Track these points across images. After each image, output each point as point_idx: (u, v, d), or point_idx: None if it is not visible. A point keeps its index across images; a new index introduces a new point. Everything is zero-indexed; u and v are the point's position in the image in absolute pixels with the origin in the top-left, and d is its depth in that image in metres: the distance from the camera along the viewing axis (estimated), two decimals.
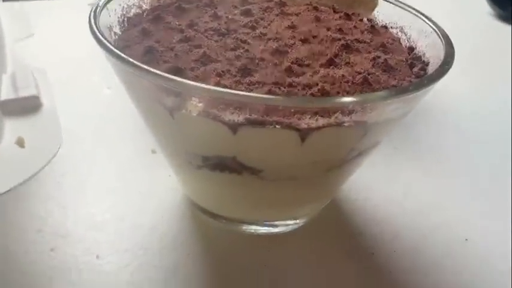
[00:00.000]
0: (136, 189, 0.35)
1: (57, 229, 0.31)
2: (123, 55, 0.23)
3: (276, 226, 0.32)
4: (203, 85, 0.21)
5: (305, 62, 0.27)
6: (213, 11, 0.32)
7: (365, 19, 0.35)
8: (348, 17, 0.33)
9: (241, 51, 0.27)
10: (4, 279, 0.27)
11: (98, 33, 0.24)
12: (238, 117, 0.22)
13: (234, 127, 0.22)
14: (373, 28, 0.32)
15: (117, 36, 0.29)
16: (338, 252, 0.32)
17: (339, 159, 0.26)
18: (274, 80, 0.24)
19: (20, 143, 0.25)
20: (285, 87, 0.24)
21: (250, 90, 0.24)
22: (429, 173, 0.40)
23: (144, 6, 0.33)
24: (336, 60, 0.27)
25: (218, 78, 0.24)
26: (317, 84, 0.24)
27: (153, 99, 0.24)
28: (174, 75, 0.24)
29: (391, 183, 0.38)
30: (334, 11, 0.35)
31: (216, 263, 0.30)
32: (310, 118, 0.22)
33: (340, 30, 0.31)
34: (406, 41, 0.32)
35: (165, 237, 0.31)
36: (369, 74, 0.26)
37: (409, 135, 0.44)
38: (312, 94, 0.24)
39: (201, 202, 0.32)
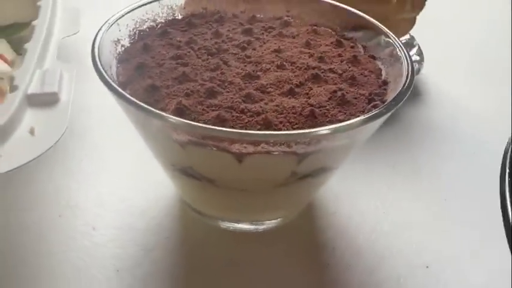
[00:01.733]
0: (143, 178, 0.40)
1: (68, 201, 0.38)
2: (106, 76, 0.28)
3: (250, 224, 0.36)
4: (152, 110, 0.26)
5: (267, 89, 0.30)
6: (216, 29, 0.36)
7: (360, 46, 0.37)
8: (339, 43, 0.36)
9: (218, 72, 0.31)
10: (16, 232, 0.34)
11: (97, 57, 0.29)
12: (182, 138, 0.26)
13: (182, 144, 0.27)
14: (355, 58, 0.34)
15: (123, 49, 0.34)
16: (295, 259, 0.35)
17: (282, 179, 0.29)
18: (229, 104, 0.28)
19: (32, 131, 0.31)
20: (237, 112, 0.28)
21: (207, 112, 0.28)
22: (408, 194, 0.41)
23: (159, 20, 0.37)
24: (296, 90, 0.30)
25: (181, 99, 0.28)
26: (265, 113, 0.27)
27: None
28: (151, 92, 0.29)
29: (368, 199, 0.40)
30: (335, 33, 0.38)
31: (188, 248, 0.35)
32: (239, 145, 0.25)
33: (321, 58, 0.33)
34: (385, 74, 0.33)
35: (152, 221, 0.37)
36: (320, 107, 0.28)
37: (409, 156, 0.45)
38: (256, 122, 0.27)
39: (184, 197, 0.37)
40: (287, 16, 0.40)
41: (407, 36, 0.55)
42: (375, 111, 0.26)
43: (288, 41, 0.36)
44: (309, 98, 0.29)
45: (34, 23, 0.42)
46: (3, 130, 0.30)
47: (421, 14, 0.52)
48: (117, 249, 0.34)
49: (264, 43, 0.35)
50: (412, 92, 0.52)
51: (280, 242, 0.36)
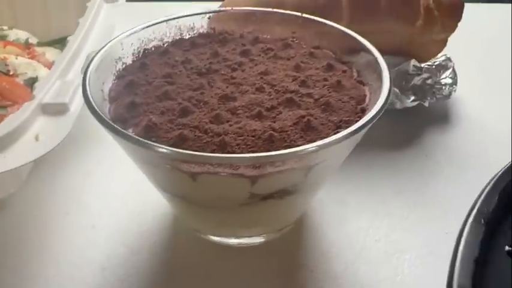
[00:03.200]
0: (143, 187, 0.42)
1: (75, 200, 0.42)
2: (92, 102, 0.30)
3: (233, 239, 0.37)
4: (117, 128, 0.28)
5: (237, 111, 0.31)
6: (215, 49, 0.38)
7: (354, 71, 0.36)
8: (329, 67, 0.36)
9: (198, 92, 0.33)
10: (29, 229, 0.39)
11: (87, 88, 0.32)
12: (143, 157, 0.28)
13: (145, 163, 0.29)
14: (339, 83, 0.34)
15: (124, 66, 0.37)
16: (272, 276, 0.35)
17: (243, 199, 0.30)
18: (196, 124, 0.30)
19: (37, 138, 0.35)
20: (200, 132, 0.29)
21: (173, 130, 0.30)
22: (406, 223, 0.40)
23: (166, 39, 0.40)
24: (265, 113, 0.31)
25: (152, 117, 0.30)
26: (224, 135, 0.29)
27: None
28: (131, 108, 0.31)
29: (361, 224, 0.39)
30: (335, 56, 0.38)
31: (171, 254, 0.37)
32: (187, 165, 0.27)
33: (303, 81, 0.34)
34: (367, 101, 0.33)
35: (144, 226, 0.39)
36: (281, 132, 0.29)
37: (420, 183, 0.44)
38: (213, 143, 0.28)
39: (172, 210, 0.39)
40: (292, 38, 0.40)
41: (442, 58, 0.53)
42: (306, 147, 0.26)
43: (280, 63, 0.37)
44: (274, 122, 0.30)
45: (69, 38, 0.47)
46: (12, 135, 0.34)
47: (457, 35, 0.50)
48: (107, 249, 0.37)
49: (256, 65, 0.36)
50: (440, 116, 0.51)
51: (261, 258, 0.37)
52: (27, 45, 0.57)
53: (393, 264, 0.37)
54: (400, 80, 0.49)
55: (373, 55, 0.35)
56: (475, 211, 0.28)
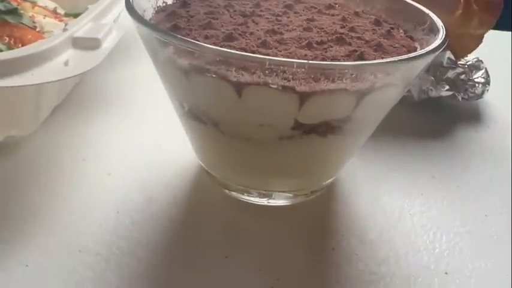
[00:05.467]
0: (164, 138, 0.40)
1: (93, 148, 0.39)
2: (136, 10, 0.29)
3: (260, 197, 0.35)
4: (157, 27, 0.26)
5: (285, 42, 0.29)
6: (257, 1, 0.37)
7: (400, 30, 0.35)
8: (377, 22, 0.34)
9: (243, 26, 0.31)
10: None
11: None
12: (184, 62, 0.26)
13: (185, 72, 0.27)
14: (389, 33, 0.32)
15: (164, 4, 0.35)
16: (298, 237, 0.33)
17: (286, 128, 0.28)
18: (242, 47, 0.28)
19: (66, 63, 0.33)
20: (247, 52, 0.27)
21: None
22: (442, 203, 0.37)
23: None
24: (315, 45, 0.29)
25: (197, 37, 0.29)
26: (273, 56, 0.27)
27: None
28: (172, 30, 0.30)
29: (396, 198, 0.37)
30: (377, 21, 0.37)
31: (193, 206, 0.35)
32: (236, 72, 0.25)
33: (352, 28, 0.32)
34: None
35: (164, 177, 0.37)
36: (333, 60, 0.27)
37: (455, 172, 0.41)
38: None
39: (197, 156, 0.36)
40: (334, 2, 0.39)
41: (474, 59, 0.52)
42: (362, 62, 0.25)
43: (324, 16, 0.35)
44: (325, 52, 0.28)
45: None
46: (40, 56, 0.33)
47: (492, 38, 0.50)
48: (122, 195, 0.35)
49: (300, 15, 0.35)
50: (473, 113, 0.49)
51: (288, 220, 0.34)
52: (54, 13, 0.57)
53: (430, 237, 0.34)
54: (435, 70, 0.48)
55: (423, 13, 0.34)
56: None
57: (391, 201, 0.37)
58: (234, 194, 0.35)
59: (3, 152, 0.37)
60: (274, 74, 0.24)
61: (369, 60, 0.28)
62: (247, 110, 0.27)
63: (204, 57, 0.25)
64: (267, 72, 0.24)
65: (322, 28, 0.32)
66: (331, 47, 0.29)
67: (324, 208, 0.35)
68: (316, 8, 0.37)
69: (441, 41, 0.28)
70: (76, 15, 0.59)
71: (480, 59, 0.52)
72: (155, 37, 0.27)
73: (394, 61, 0.25)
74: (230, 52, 0.24)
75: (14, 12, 0.48)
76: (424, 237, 0.34)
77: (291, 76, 0.24)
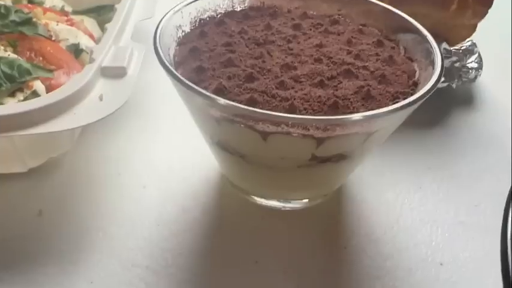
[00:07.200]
0: (191, 151, 0.44)
1: (127, 162, 0.44)
2: (162, 56, 0.32)
3: (277, 202, 0.40)
4: (194, 87, 0.30)
5: (300, 79, 0.33)
6: (268, 22, 0.40)
7: (401, 48, 0.38)
8: (379, 43, 0.38)
9: (260, 61, 0.35)
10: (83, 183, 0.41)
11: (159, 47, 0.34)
12: (217, 114, 0.30)
13: (217, 120, 0.31)
14: (391, 58, 0.36)
15: (183, 33, 0.38)
16: (314, 237, 0.38)
17: (304, 160, 0.32)
18: (263, 89, 0.32)
19: (101, 97, 0.37)
20: (268, 97, 0.31)
21: (242, 94, 0.32)
22: (438, 196, 0.42)
23: (219, 10, 0.42)
24: (326, 82, 0.33)
25: (222, 81, 0.32)
26: (292, 100, 0.31)
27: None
28: (198, 72, 0.33)
29: (397, 194, 0.42)
30: (380, 33, 0.40)
31: (220, 213, 0.39)
32: (263, 124, 0.29)
33: (357, 55, 0.36)
34: (418, 76, 0.35)
35: (193, 188, 0.41)
36: (344, 99, 0.31)
37: (449, 160, 0.46)
38: (282, 106, 0.30)
39: (222, 170, 0.41)
40: (338, 15, 0.42)
41: (468, 43, 0.55)
42: (373, 112, 0.29)
43: (331, 37, 0.39)
44: (337, 90, 0.32)
45: (116, 6, 0.48)
46: (79, 94, 0.36)
47: (485, 21, 0.52)
48: (159, 207, 0.40)
49: (309, 38, 0.38)
50: (465, 98, 0.53)
51: (303, 221, 0.39)
52: (63, 13, 0.58)
53: (428, 231, 0.39)
54: None
55: (421, 34, 0.37)
56: None
57: (393, 197, 0.42)
58: (255, 199, 0.40)
59: (45, 171, 0.42)
60: (298, 126, 0.28)
61: (374, 95, 0.32)
62: (271, 149, 0.31)
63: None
64: (290, 125, 0.28)
65: (331, 57, 0.35)
66: (341, 82, 0.33)
67: (335, 209, 0.40)
68: (322, 24, 0.40)
69: (436, 79, 0.32)
70: (84, 12, 0.61)
71: (474, 42, 0.55)
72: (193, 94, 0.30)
73: (397, 108, 0.29)
74: (260, 113, 0.28)
75: (29, 22, 0.50)
76: (423, 231, 0.39)
77: (310, 127, 0.28)
